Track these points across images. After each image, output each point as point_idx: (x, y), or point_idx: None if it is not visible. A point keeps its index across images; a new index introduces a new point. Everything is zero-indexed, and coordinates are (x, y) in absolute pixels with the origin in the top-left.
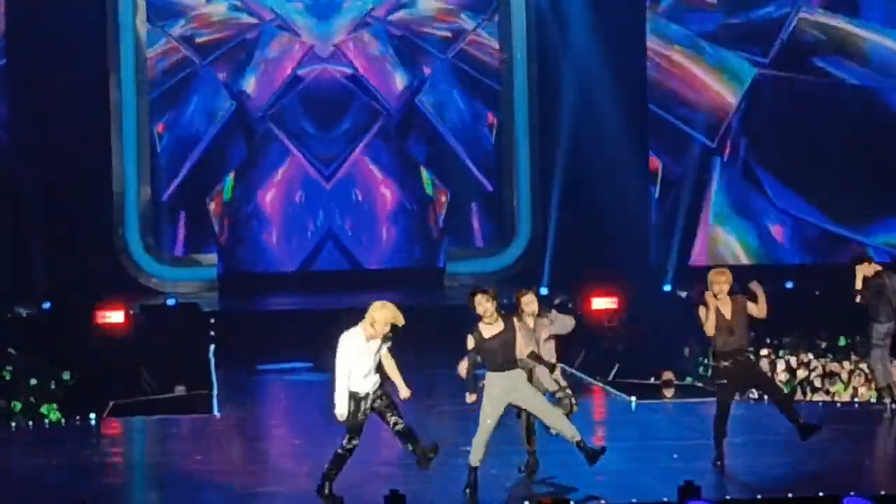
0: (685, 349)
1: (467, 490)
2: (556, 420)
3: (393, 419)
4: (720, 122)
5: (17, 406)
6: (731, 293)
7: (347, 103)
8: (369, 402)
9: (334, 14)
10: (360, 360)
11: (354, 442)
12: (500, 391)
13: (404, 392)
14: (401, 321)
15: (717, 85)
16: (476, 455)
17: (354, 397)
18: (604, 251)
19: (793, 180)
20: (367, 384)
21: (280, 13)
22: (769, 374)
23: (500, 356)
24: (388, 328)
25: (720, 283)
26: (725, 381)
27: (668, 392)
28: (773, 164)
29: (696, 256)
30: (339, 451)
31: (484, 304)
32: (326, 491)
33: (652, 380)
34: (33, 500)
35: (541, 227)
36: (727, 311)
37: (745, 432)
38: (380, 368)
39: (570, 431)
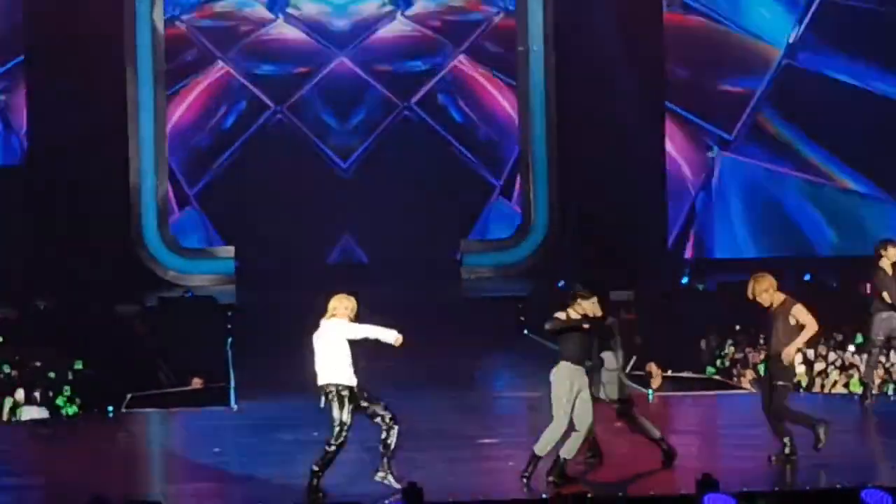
0: (702, 341)
1: (524, 477)
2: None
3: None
4: (739, 113)
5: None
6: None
7: (364, 95)
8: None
9: (352, 5)
10: (349, 348)
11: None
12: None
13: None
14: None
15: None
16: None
17: (349, 389)
18: (621, 243)
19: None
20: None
21: (297, 4)
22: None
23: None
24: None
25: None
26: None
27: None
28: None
29: (712, 249)
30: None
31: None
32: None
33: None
34: (50, 493)
35: (558, 219)
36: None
37: (763, 424)
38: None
39: (570, 445)
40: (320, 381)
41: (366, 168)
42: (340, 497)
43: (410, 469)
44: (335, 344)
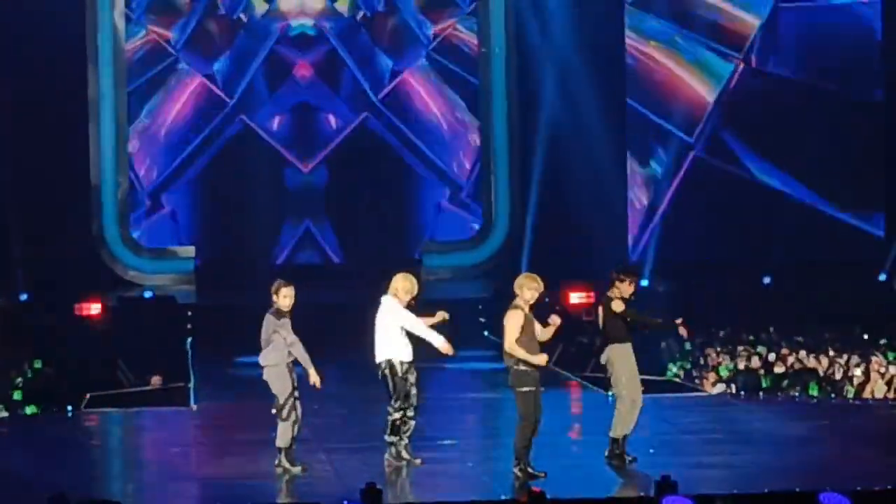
0: (662, 343)
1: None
2: None
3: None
4: (698, 117)
5: None
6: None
7: (326, 94)
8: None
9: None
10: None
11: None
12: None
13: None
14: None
15: (694, 81)
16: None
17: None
18: (582, 245)
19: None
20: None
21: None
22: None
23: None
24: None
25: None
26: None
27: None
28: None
29: (672, 252)
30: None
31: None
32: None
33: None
34: (10, 493)
35: (519, 221)
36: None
37: (723, 429)
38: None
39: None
40: (376, 358)
41: (326, 170)
42: (301, 498)
43: (369, 471)
44: (384, 322)
